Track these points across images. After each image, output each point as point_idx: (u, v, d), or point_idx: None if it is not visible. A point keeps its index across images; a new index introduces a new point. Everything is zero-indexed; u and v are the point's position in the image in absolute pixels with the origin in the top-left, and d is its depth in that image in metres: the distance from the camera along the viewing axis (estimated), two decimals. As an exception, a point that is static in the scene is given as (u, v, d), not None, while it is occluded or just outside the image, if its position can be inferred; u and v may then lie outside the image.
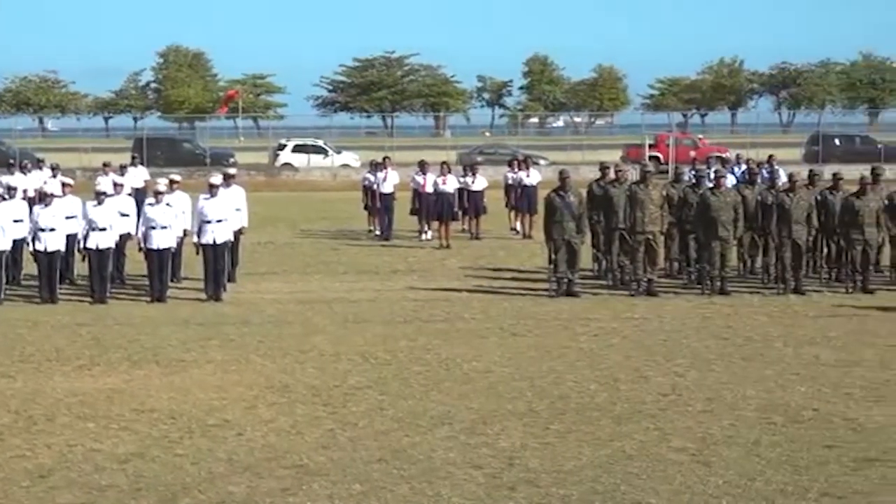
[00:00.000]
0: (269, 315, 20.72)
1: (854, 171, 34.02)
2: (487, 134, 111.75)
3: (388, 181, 33.70)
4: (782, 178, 24.87)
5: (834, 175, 24.43)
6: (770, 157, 32.63)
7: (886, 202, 23.35)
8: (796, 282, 22.60)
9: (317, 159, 68.84)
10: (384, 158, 35.25)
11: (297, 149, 70.23)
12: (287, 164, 67.75)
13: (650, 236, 22.56)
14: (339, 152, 71.25)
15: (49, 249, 22.07)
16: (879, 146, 68.65)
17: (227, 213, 22.70)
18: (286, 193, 54.62)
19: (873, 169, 24.52)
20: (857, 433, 12.82)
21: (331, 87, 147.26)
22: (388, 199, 33.52)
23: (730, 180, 25.81)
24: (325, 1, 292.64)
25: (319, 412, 13.88)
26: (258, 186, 51.06)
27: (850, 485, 11.05)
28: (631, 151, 66.81)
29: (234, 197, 23.92)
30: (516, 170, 34.88)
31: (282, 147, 70.62)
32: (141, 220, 22.53)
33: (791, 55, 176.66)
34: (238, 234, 24.00)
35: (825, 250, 24.29)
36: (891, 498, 10.68)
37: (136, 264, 23.70)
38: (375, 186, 33.79)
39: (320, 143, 73.05)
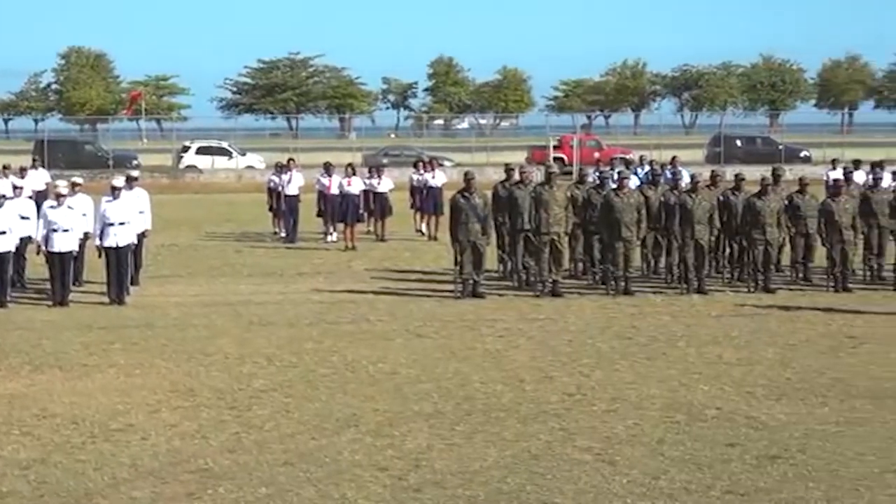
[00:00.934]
0: (174, 318, 20.55)
1: (755, 172, 34.48)
2: (393, 135, 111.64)
3: (293, 183, 33.57)
4: (685, 179, 25.10)
5: (736, 176, 24.71)
6: (673, 158, 32.89)
7: (787, 202, 23.66)
8: (699, 282, 22.82)
9: (221, 161, 68.41)
10: (289, 160, 35.14)
11: (202, 151, 69.74)
12: (191, 167, 67.27)
13: (555, 237, 22.67)
14: (243, 154, 70.89)
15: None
16: (780, 147, 69.54)
17: (131, 215, 22.47)
18: (190, 196, 54.25)
19: (774, 170, 24.85)
20: (759, 431, 12.97)
21: (235, 89, 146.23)
22: (293, 201, 33.38)
23: (633, 181, 26.00)
24: (229, 2, 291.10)
25: (224, 416, 13.78)
26: (162, 189, 50.61)
27: (752, 482, 11.18)
28: (535, 153, 67.10)
29: (138, 199, 23.73)
30: (422, 171, 34.90)
31: (186, 149, 70.11)
32: (42, 222, 22.24)
33: (693, 57, 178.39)
34: (141, 236, 23.77)
35: (727, 250, 24.56)
36: (792, 494, 10.81)
37: (37, 268, 23.39)
38: (280, 188, 33.65)
39: (225, 144, 72.59)
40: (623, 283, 22.75)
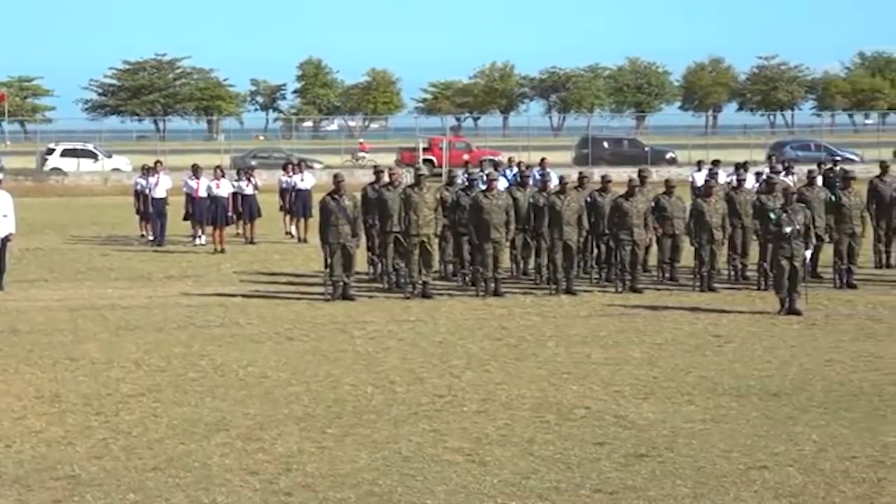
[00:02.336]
0: (39, 323, 20.21)
1: (622, 174, 34.93)
2: (261, 138, 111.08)
3: (161, 186, 33.24)
4: (553, 181, 25.30)
5: (603, 177, 24.97)
6: (542, 159, 33.19)
7: (653, 204, 23.96)
8: (567, 282, 23.02)
9: (87, 164, 67.44)
10: (156, 163, 34.81)
11: (67, 153, 68.67)
12: (56, 169, 66.15)
13: (424, 239, 22.72)
14: (109, 156, 70.00)
15: None
16: (646, 149, 70.46)
17: (-7, 219, 22.07)
18: (55, 199, 53.42)
19: (640, 171, 25.14)
20: (628, 429, 13.11)
21: (101, 91, 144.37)
22: (160, 203, 33.05)
23: (502, 183, 26.16)
24: (95, 2, 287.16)
25: (91, 421, 13.59)
26: (26, 192, 49.80)
27: (621, 480, 11.29)
28: (405, 155, 67.24)
29: (1, 203, 23.30)
30: (291, 173, 34.75)
31: (50, 151, 68.98)
32: None
33: (560, 60, 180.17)
34: (5, 240, 23.37)
35: (595, 251, 24.79)
36: (660, 492, 10.95)
37: None
38: (147, 191, 33.29)
39: (90, 147, 71.59)
40: (493, 285, 22.86)
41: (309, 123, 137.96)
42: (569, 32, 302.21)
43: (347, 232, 22.40)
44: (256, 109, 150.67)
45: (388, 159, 59.73)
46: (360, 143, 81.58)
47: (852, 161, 62.83)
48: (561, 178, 24.21)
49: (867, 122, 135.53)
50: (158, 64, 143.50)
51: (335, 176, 23.27)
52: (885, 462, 11.79)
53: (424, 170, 24.96)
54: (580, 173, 26.11)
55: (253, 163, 58.81)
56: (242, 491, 11.07)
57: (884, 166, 26.89)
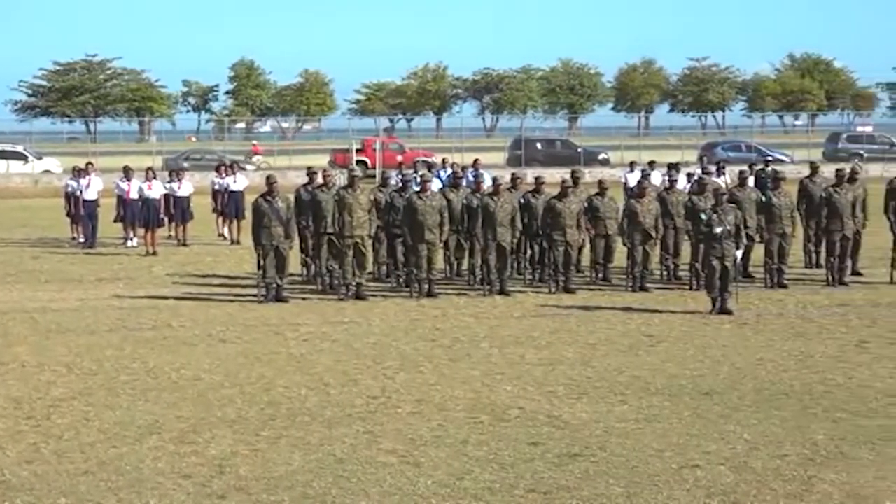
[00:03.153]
0: (-32, 327, 20.01)
1: (555, 175, 35.03)
2: (193, 139, 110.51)
3: (92, 187, 32.99)
4: (487, 182, 25.33)
5: (536, 178, 25.06)
6: (475, 160, 33.22)
7: (586, 204, 24.04)
8: (501, 283, 23.07)
9: (16, 165, 66.79)
10: (87, 164, 34.56)
11: (-4, 155, 68.02)
12: (-15, 171, 65.53)
13: (358, 240, 22.69)
14: (39, 158, 69.36)
15: None
16: (579, 150, 70.73)
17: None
18: (-16, 201, 52.88)
19: (573, 172, 25.22)
20: (561, 429, 13.16)
21: (30, 92, 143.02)
22: (91, 205, 32.80)
23: (435, 184, 26.17)
24: (24, 2, 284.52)
25: (22, 425, 13.47)
26: (-46, 194, 49.25)
27: (554, 480, 11.34)
28: (338, 156, 67.13)
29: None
30: (223, 175, 34.59)
31: (-22, 153, 68.28)
32: None
33: (493, 61, 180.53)
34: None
35: (529, 252, 24.86)
36: (593, 491, 10.99)
37: None
38: (78, 193, 33.02)
39: (20, 148, 70.87)
40: (426, 286, 22.87)
41: (241, 125, 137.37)
42: (502, 34, 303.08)
43: (280, 233, 22.32)
44: (188, 111, 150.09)
45: (321, 161, 59.51)
46: (253, 146, 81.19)
47: (782, 162, 63.42)
48: (494, 179, 24.24)
49: (797, 123, 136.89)
50: (89, 65, 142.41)
51: (268, 177, 23.18)
52: (815, 460, 11.91)
53: (358, 171, 24.95)
54: (513, 174, 26.18)
55: (185, 164, 58.51)
56: (175, 494, 11.01)
57: (814, 167, 27.13)
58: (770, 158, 43.14)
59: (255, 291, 22.76)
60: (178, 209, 32.92)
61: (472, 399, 14.62)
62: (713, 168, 33.40)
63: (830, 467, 11.65)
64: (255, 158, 72.56)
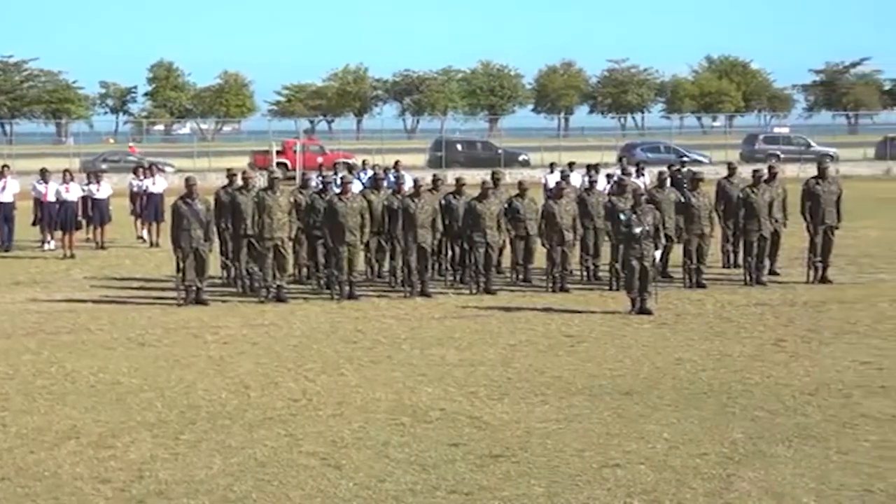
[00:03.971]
0: None
1: (476, 176, 35.08)
2: (111, 141, 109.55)
3: (8, 190, 32.57)
4: (408, 183, 25.34)
5: (457, 180, 25.09)
6: (396, 162, 33.22)
7: (507, 205, 24.12)
8: (422, 284, 23.08)
9: (-69, 168, 65.79)
10: (3, 167, 34.04)
11: None
12: None
13: (278, 242, 22.61)
14: (-46, 161, 68.39)
15: None
16: (499, 151, 70.90)
17: None
18: None
19: (494, 173, 25.31)
20: (482, 430, 13.19)
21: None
22: (7, 208, 32.38)
23: (356, 186, 26.13)
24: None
25: (-63, 432, 13.30)
26: None
27: (476, 481, 11.35)
28: (258, 158, 66.77)
29: None
30: (142, 177, 34.33)
31: None
32: None
33: (414, 63, 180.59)
34: None
35: (449, 253, 24.90)
36: (515, 492, 11.03)
37: None
38: (-6, 196, 32.60)
39: (-66, 151, 69.93)
40: (347, 288, 22.84)
41: (160, 127, 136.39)
42: (422, 35, 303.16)
43: (200, 236, 22.20)
44: (106, 112, 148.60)
45: (241, 163, 59.16)
46: (130, 147, 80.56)
47: (700, 162, 63.94)
48: (415, 181, 24.26)
49: (715, 124, 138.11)
50: (5, 66, 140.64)
51: (187, 180, 23.03)
52: (734, 458, 12.02)
53: (278, 173, 24.87)
54: (434, 176, 26.22)
55: (103, 166, 58.00)
56: (94, 499, 10.92)
57: (731, 167, 27.38)
58: (686, 159, 43.38)
59: (174, 294, 22.61)
60: (97, 211, 32.63)
61: (393, 401, 14.62)
62: (632, 169, 33.63)
63: (749, 465, 11.77)
64: (130, 158, 72.08)
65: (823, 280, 24.21)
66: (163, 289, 24.04)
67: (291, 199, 23.24)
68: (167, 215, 26.72)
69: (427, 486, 11.23)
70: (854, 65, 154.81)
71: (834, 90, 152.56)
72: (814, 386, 15.17)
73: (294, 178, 45.35)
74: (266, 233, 22.52)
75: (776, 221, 24.38)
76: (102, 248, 32.32)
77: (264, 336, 19.16)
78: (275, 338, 19.01)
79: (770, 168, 25.13)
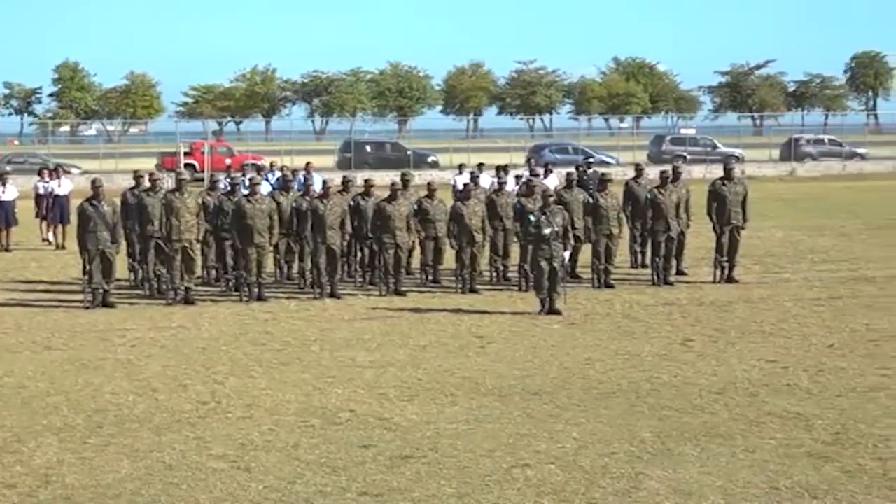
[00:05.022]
0: None
1: (385, 177, 35.07)
2: (16, 142, 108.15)
3: None
4: (317, 185, 25.27)
5: (366, 181, 25.07)
6: (308, 163, 33.10)
7: (416, 207, 24.14)
8: (332, 286, 23.02)
9: None
10: None
11: None
12: None
13: (186, 244, 22.46)
14: None
15: None
16: (408, 152, 70.88)
17: None
18: None
19: (403, 174, 25.30)
20: (392, 431, 13.19)
21: None
22: None
23: (265, 187, 26.02)
24: None
25: None
26: None
27: (386, 482, 11.35)
28: (166, 159, 66.27)
29: None
30: (47, 179, 33.96)
31: None
32: None
33: (322, 64, 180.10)
34: None
35: (359, 255, 24.86)
36: (425, 492, 11.04)
37: None
38: None
39: None
40: (256, 290, 22.74)
41: (66, 128, 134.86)
42: (330, 36, 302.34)
43: (107, 238, 22.00)
44: (10, 113, 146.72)
45: (148, 164, 58.67)
46: (9, 141, 79.68)
47: (608, 163, 64.39)
48: (324, 182, 24.19)
49: (622, 125, 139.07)
50: None
51: (93, 181, 22.80)
52: (643, 457, 12.11)
53: (186, 174, 24.69)
54: (344, 177, 26.18)
55: (8, 168, 57.23)
56: (-1, 505, 10.78)
57: (639, 168, 27.57)
58: (592, 160, 43.65)
59: (81, 297, 22.39)
60: (2, 214, 32.25)
61: (302, 403, 14.58)
62: (541, 170, 33.76)
63: (657, 464, 11.87)
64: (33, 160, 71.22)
65: (730, 280, 24.47)
66: (69, 292, 23.78)
67: (199, 201, 23.10)
68: (73, 217, 26.46)
69: (337, 487, 11.21)
70: (759, 66, 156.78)
71: (739, 92, 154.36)
72: (721, 385, 15.33)
73: (202, 180, 45.12)
74: (174, 235, 22.37)
75: (682, 222, 24.59)
76: (7, 250, 31.93)
77: (172, 339, 19.02)
78: (183, 340, 18.88)
79: (674, 168, 25.37)
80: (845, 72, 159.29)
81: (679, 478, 11.42)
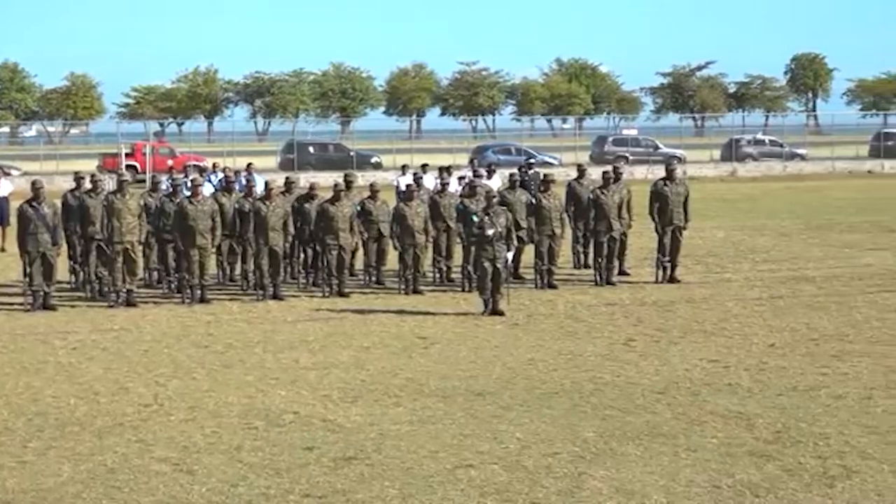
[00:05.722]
0: None
1: (328, 178, 35.00)
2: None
3: None
4: (259, 186, 25.20)
5: (311, 186, 25.02)
6: (249, 164, 32.99)
7: (359, 208, 24.13)
8: (275, 288, 22.96)
9: None
10: None
11: None
12: None
13: (128, 246, 22.33)
14: None
15: None
16: (352, 153, 70.79)
17: None
18: None
19: (346, 176, 25.28)
20: (336, 433, 13.17)
21: None
22: None
23: (207, 189, 25.91)
24: None
25: None
26: None
27: (330, 484, 11.33)
28: (107, 161, 65.88)
29: None
30: (-13, 180, 33.63)
31: None
32: None
33: (265, 65, 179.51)
34: None
35: (302, 256, 24.82)
36: (368, 494, 11.03)
37: None
38: None
39: None
40: (199, 292, 22.64)
41: (5, 129, 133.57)
42: (273, 37, 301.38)
43: (47, 240, 21.85)
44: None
45: (89, 165, 58.26)
46: None
47: (551, 164, 64.55)
48: (266, 184, 24.14)
49: (565, 126, 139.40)
50: None
51: (34, 183, 22.64)
52: (585, 457, 12.16)
53: (127, 176, 24.57)
54: (286, 178, 26.11)
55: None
56: (-62, 510, 10.68)
57: (581, 169, 27.65)
58: (533, 161, 43.72)
59: (21, 300, 22.21)
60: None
61: (246, 405, 14.54)
62: (484, 171, 33.80)
63: (600, 464, 11.92)
64: None
65: (672, 280, 24.60)
66: (9, 294, 23.59)
67: (141, 203, 23.00)
68: (13, 219, 26.25)
69: (280, 490, 11.18)
70: (700, 68, 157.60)
71: (681, 93, 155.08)
72: (663, 384, 15.41)
73: (144, 181, 44.82)
74: (115, 236, 22.24)
75: (624, 222, 24.70)
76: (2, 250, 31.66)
77: (114, 341, 18.91)
78: (125, 343, 18.77)
79: (615, 169, 25.47)
80: (785, 73, 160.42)
81: (622, 477, 11.47)
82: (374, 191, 24.60)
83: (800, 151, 78.48)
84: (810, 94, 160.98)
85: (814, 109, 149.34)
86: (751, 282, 24.77)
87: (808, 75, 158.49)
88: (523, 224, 24.15)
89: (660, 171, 28.71)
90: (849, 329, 19.19)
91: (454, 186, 28.28)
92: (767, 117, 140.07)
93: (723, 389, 15.12)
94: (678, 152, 74.46)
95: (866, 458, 12.03)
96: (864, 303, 21.78)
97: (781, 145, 78.80)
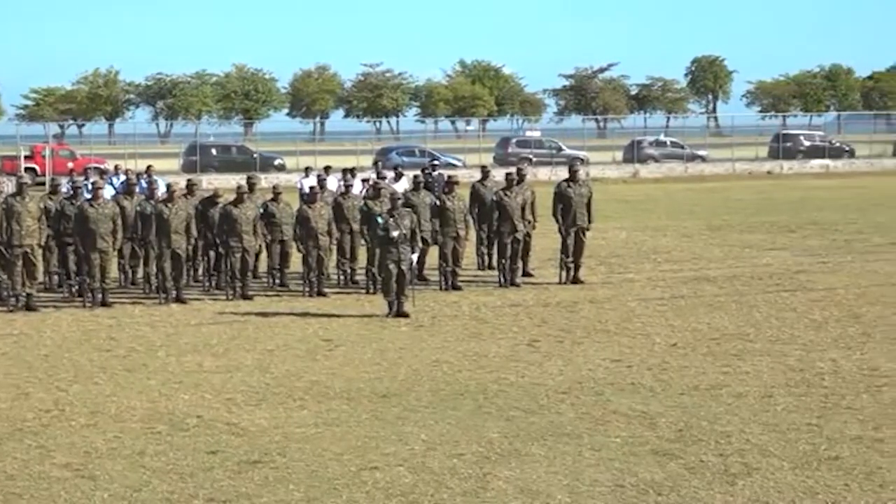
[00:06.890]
0: None
1: (231, 181, 34.80)
2: None
3: None
4: (161, 189, 25.00)
5: (214, 192, 24.90)
6: (148, 167, 32.71)
7: (262, 210, 24.02)
8: (177, 291, 22.79)
9: None
10: None
11: None
12: None
13: (28, 250, 22.07)
14: None
15: None
16: (255, 155, 70.46)
17: None
18: None
19: (249, 178, 25.19)
20: (240, 437, 13.10)
21: None
22: None
23: (108, 191, 25.67)
24: None
25: None
26: None
27: (234, 488, 11.28)
28: (6, 163, 64.92)
29: None
30: None
31: None
32: None
33: (166, 66, 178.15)
34: None
35: (205, 259, 24.65)
36: (273, 497, 10.99)
37: None
38: None
39: None
40: (100, 295, 22.42)
41: None
42: (174, 38, 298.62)
43: (-56, 244, 21.52)
44: None
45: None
46: None
47: (455, 166, 64.66)
48: (168, 186, 23.96)
49: (468, 128, 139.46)
50: None
51: (-70, 186, 22.30)
52: (490, 457, 12.20)
53: (27, 178, 24.26)
54: (189, 181, 25.92)
55: None
56: None
57: (485, 171, 27.72)
58: (437, 162, 43.77)
59: (-83, 304, 21.87)
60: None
61: (149, 409, 14.42)
62: (388, 173, 33.81)
63: (504, 464, 11.96)
64: None
65: (575, 280, 24.75)
66: None
67: (41, 205, 22.73)
68: None
69: (185, 494, 11.11)
70: (602, 70, 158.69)
71: (583, 95, 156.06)
72: (567, 384, 15.51)
73: (44, 184, 44.28)
74: (15, 240, 21.96)
75: (528, 223, 24.81)
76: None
77: (14, 346, 18.68)
78: (25, 347, 18.54)
79: (519, 170, 25.56)
80: (686, 75, 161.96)
81: (526, 477, 11.52)
82: (277, 193, 24.51)
83: (700, 153, 79.30)
84: (710, 96, 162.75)
85: (714, 111, 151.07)
86: (653, 282, 25.01)
87: (708, 77, 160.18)
88: (427, 225, 24.18)
89: (563, 173, 28.92)
90: (749, 328, 19.44)
91: (358, 188, 28.26)
92: (669, 119, 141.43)
93: (626, 389, 15.25)
94: (581, 154, 74.86)
95: (767, 455, 12.19)
96: (763, 302, 22.07)
97: (682, 147, 79.58)
